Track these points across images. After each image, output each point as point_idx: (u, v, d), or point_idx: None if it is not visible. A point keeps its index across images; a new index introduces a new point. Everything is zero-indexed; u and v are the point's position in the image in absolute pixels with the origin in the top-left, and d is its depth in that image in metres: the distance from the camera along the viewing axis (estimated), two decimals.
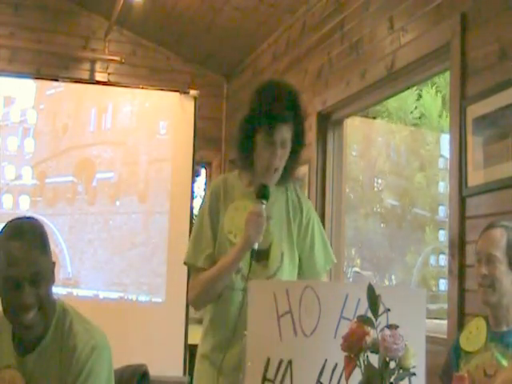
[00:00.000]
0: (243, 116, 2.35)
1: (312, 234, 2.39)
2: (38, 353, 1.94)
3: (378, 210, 7.40)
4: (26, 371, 1.94)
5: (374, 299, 1.62)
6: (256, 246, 2.18)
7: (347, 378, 1.61)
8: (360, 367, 1.59)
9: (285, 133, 2.27)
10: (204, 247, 2.30)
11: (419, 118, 6.55)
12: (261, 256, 2.27)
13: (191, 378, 2.47)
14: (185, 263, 2.36)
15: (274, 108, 2.25)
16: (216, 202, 2.33)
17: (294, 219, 2.37)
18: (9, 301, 1.87)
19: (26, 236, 1.89)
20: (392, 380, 1.58)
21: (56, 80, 5.26)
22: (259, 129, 2.27)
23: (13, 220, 1.97)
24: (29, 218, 2.06)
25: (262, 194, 2.23)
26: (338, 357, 1.69)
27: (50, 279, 1.95)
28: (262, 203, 2.21)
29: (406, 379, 1.59)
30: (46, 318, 1.92)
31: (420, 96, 6.34)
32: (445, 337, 2.96)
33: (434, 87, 6.11)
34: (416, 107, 6.46)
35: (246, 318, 1.91)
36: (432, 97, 6.18)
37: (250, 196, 2.31)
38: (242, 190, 2.33)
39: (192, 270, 2.36)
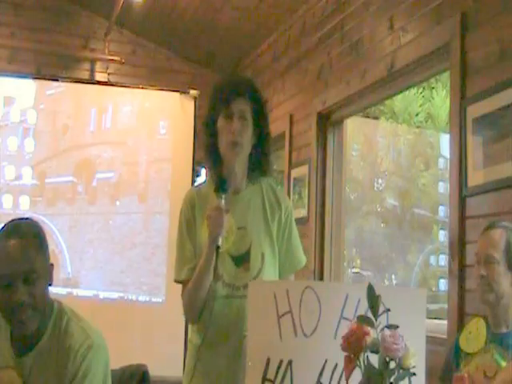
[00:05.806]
0: (204, 116, 2.35)
1: (289, 234, 2.35)
2: (35, 353, 1.94)
3: (379, 210, 7.41)
4: (24, 371, 1.94)
5: (374, 299, 1.62)
6: (220, 242, 2.15)
7: (347, 378, 1.61)
8: (360, 367, 1.59)
9: (242, 105, 2.25)
10: (187, 261, 2.28)
11: (425, 120, 6.52)
12: (241, 259, 2.25)
13: None
14: (175, 281, 2.33)
15: (229, 88, 2.27)
16: (192, 213, 2.30)
17: (273, 217, 2.32)
18: (2, 298, 1.88)
19: (22, 235, 1.90)
20: (392, 380, 1.58)
21: (56, 80, 5.26)
22: (219, 116, 2.26)
23: (12, 220, 1.99)
24: (27, 218, 2.06)
25: (219, 187, 2.20)
26: (338, 357, 1.69)
27: (46, 279, 1.95)
28: (221, 197, 2.18)
29: (406, 379, 1.59)
30: (41, 316, 1.92)
31: (426, 97, 6.30)
32: (445, 337, 2.96)
33: (444, 88, 6.05)
34: (420, 110, 6.42)
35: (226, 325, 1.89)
36: (442, 98, 6.14)
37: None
38: (215, 196, 2.25)
39: (182, 285, 2.32)
